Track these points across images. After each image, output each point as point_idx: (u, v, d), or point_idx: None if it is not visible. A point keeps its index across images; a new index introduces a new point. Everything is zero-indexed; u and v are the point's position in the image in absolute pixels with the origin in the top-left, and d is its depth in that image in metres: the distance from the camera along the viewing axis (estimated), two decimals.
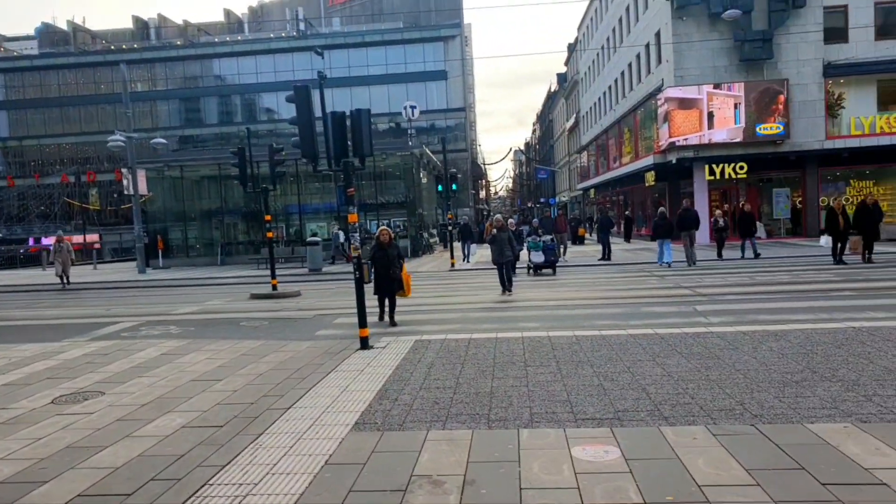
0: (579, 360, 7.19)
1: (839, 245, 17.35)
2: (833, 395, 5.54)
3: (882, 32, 26.93)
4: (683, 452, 4.41)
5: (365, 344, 8.44)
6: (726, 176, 27.11)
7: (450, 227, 25.77)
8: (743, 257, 19.88)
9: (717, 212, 22.05)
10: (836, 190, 28.24)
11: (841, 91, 27.49)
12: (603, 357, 7.31)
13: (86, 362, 8.37)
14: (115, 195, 57.30)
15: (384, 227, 11.22)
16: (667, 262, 18.85)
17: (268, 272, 17.98)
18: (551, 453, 4.51)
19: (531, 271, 18.57)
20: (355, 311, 8.70)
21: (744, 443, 4.55)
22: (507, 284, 14.35)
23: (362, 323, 8.49)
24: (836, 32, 27.07)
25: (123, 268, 32.69)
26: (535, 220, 23.23)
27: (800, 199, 28.43)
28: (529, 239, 19.08)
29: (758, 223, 23.29)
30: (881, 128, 27.04)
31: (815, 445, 4.43)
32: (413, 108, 36.09)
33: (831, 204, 18.26)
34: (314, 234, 29.17)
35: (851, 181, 28.12)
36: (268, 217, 17.81)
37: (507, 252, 14.31)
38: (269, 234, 17.79)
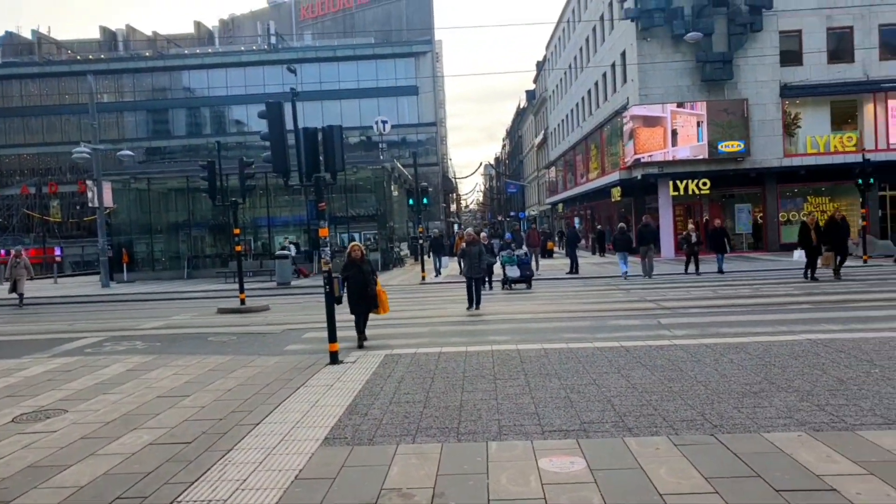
0: (547, 373, 7.32)
1: (813, 260, 17.01)
2: (789, 405, 5.75)
3: (834, 56, 27.97)
4: (646, 462, 4.54)
5: (335, 359, 8.46)
6: (690, 192, 27.74)
7: (420, 241, 25.87)
8: (700, 270, 20.23)
9: (690, 226, 21.74)
10: (794, 206, 29.13)
11: (797, 111, 28.42)
12: (570, 370, 7.45)
13: (47, 379, 8.22)
14: (78, 207, 56.12)
15: (356, 242, 10.74)
16: (624, 272, 20.16)
17: (236, 286, 17.83)
18: (519, 465, 4.61)
19: (506, 286, 18.40)
20: (325, 325, 8.71)
21: (704, 452, 4.70)
22: (475, 300, 14.06)
23: (332, 338, 8.51)
24: (791, 55, 28.02)
25: (86, 282, 31.99)
26: (508, 234, 23.23)
27: (761, 214, 29.20)
28: (504, 253, 18.88)
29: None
30: (835, 147, 27.99)
31: (770, 454, 4.61)
32: (384, 122, 36.24)
33: (804, 219, 18.10)
34: (283, 248, 28.99)
35: (809, 197, 29.03)
36: (237, 230, 17.69)
37: (477, 266, 14.00)
38: (238, 248, 17.66)
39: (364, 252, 10.25)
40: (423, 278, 22.86)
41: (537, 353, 8.46)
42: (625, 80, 30.42)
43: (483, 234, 19.75)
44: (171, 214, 33.07)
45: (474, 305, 14.04)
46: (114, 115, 59.24)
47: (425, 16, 63.15)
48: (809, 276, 17.01)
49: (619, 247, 20.72)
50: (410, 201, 25.09)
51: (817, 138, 28.16)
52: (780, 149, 27.96)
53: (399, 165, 34.60)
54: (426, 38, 59.04)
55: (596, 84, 36.33)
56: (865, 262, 20.73)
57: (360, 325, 10.04)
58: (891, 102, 27.90)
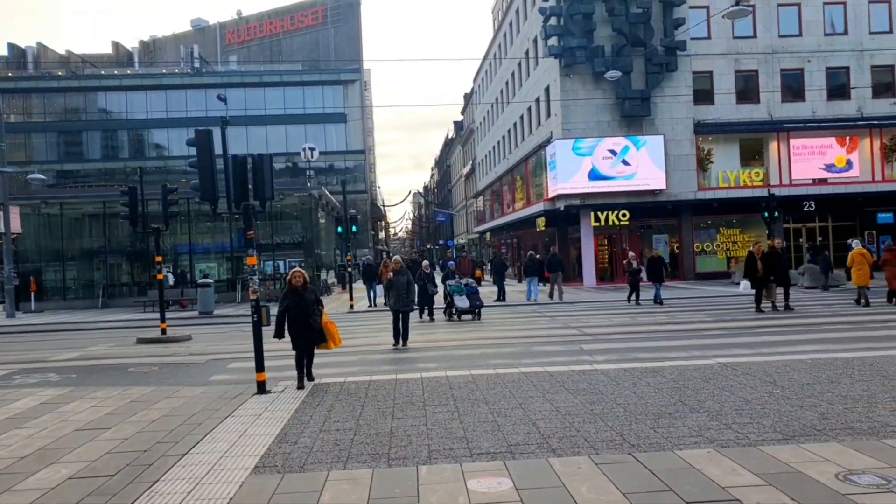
0: (475, 399, 7.51)
1: (760, 291, 16.43)
2: (699, 425, 6.14)
3: (742, 97, 30.05)
4: (569, 481, 4.78)
5: (262, 388, 8.36)
6: (611, 222, 28.93)
7: (348, 269, 25.68)
8: (624, 300, 20.85)
9: (631, 254, 21.23)
10: (708, 237, 30.80)
11: (710, 147, 30.26)
12: (497, 395, 7.66)
13: None
14: None
15: (297, 268, 9.52)
16: (533, 299, 21.94)
17: (155, 315, 17.26)
18: (448, 487, 4.75)
19: (455, 317, 17.48)
20: (250, 355, 8.62)
21: (622, 470, 4.98)
22: (402, 336, 12.75)
23: (259, 367, 8.42)
24: (704, 94, 29.92)
25: None
26: (452, 262, 22.96)
27: (677, 244, 30.71)
28: (451, 282, 17.99)
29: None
30: (744, 181, 29.93)
31: (682, 469, 4.93)
32: (312, 149, 36.14)
33: (750, 249, 17.33)
34: (205, 276, 28.20)
35: (721, 229, 30.79)
36: (159, 258, 17.17)
37: (405, 298, 12.61)
38: (159, 276, 17.11)
39: (307, 279, 9.18)
40: (352, 307, 22.74)
41: (466, 379, 8.64)
42: (548, 115, 31.58)
43: (425, 263, 19.28)
44: (86, 241, 31.64)
45: (401, 341, 12.75)
46: (21, 135, 56.36)
47: (354, 44, 63.65)
48: (758, 307, 16.35)
49: (528, 273, 22.84)
50: (338, 229, 24.89)
51: (728, 173, 30.03)
52: (695, 182, 29.61)
53: (327, 192, 34.48)
54: (355, 66, 59.40)
55: (521, 117, 37.53)
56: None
57: (302, 362, 8.80)
58: (793, 141, 30.13)
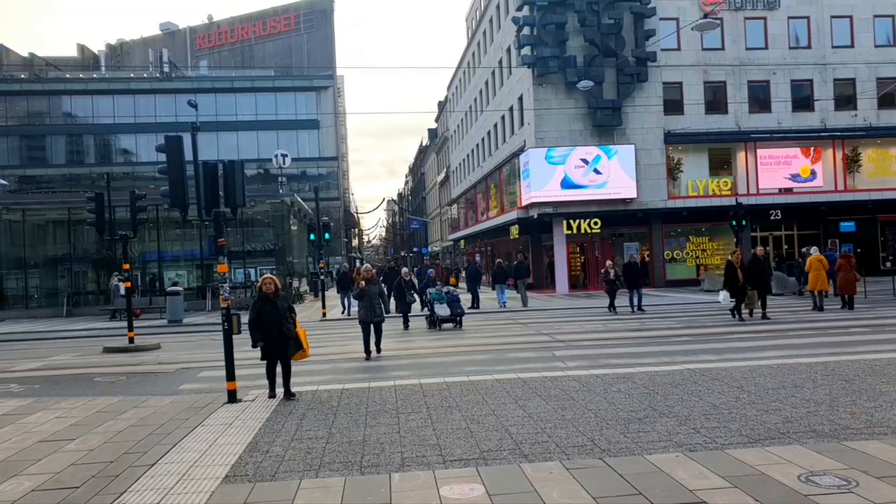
0: (449, 406, 7.53)
1: (740, 300, 16.15)
2: (669, 429, 6.24)
3: (710, 108, 30.60)
4: (540, 486, 4.82)
5: (233, 397, 8.27)
6: (583, 230, 29.23)
7: (321, 277, 25.48)
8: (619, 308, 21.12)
9: (608, 262, 20.93)
10: (678, 245, 31.23)
11: (680, 157, 30.77)
12: (471, 401, 7.69)
13: None
14: None
15: (269, 274, 9.35)
16: (503, 303, 22.46)
17: (122, 324, 16.93)
18: (421, 493, 4.75)
19: (435, 325, 17.08)
20: (221, 363, 8.52)
21: (593, 475, 5.04)
22: (375, 346, 12.28)
23: (230, 375, 8.32)
24: (673, 105, 30.44)
25: None
26: (431, 270, 22.55)
27: (647, 252, 31.10)
28: (433, 290, 17.61)
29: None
30: (713, 190, 30.49)
31: (651, 473, 5.01)
32: (284, 155, 35.86)
33: (729, 258, 17.00)
34: (175, 283, 27.78)
35: (691, 237, 31.28)
36: (126, 265, 16.88)
37: (379, 308, 12.08)
38: (127, 284, 16.83)
39: (279, 286, 8.83)
40: (324, 315, 22.57)
41: (439, 386, 8.65)
42: (522, 124, 31.84)
43: (404, 270, 18.95)
44: (49, 248, 30.93)
45: (374, 351, 12.27)
46: None
47: (327, 51, 63.47)
48: (738, 316, 16.12)
49: (497, 280, 23.38)
50: (311, 236, 24.70)
51: (697, 182, 30.56)
52: (665, 191, 30.07)
53: (299, 199, 34.26)
54: (328, 72, 59.21)
55: (495, 126, 37.77)
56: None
57: (273, 371, 8.57)
58: (759, 151, 30.77)
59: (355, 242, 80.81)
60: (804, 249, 18.02)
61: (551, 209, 29.30)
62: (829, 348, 11.20)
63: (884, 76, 30.78)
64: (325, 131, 57.19)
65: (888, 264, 30.67)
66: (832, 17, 31.01)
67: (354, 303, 21.26)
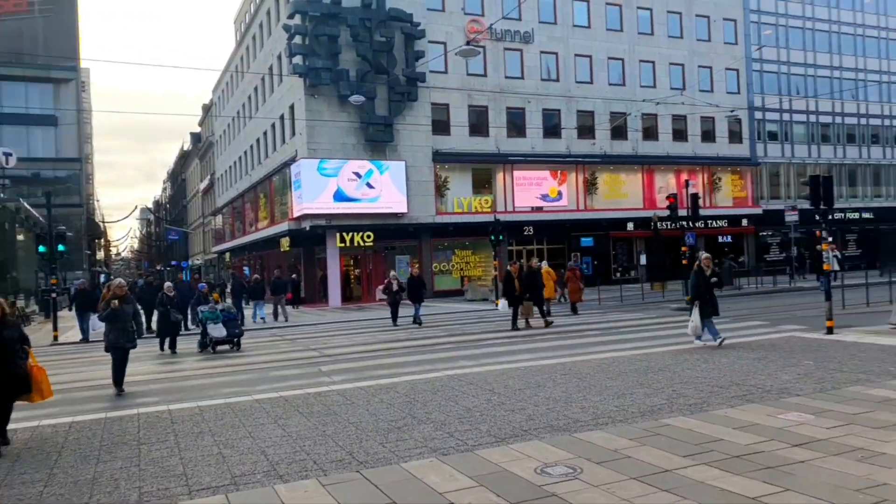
0: (200, 431, 6.97)
1: (517, 309, 16.52)
2: (425, 436, 6.41)
3: (474, 130, 32.88)
4: None
5: None
6: (356, 243, 29.46)
7: (53, 294, 22.16)
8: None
9: (392, 273, 20.59)
10: (445, 258, 32.91)
11: (447, 175, 32.51)
12: (226, 425, 7.20)
13: None
14: None
15: None
16: (261, 318, 22.26)
17: None
18: None
19: (208, 348, 15.03)
20: None
21: (349, 488, 4.97)
22: (121, 380, 10.26)
23: None
24: (441, 125, 32.13)
25: None
26: (203, 285, 19.51)
27: (417, 265, 32.25)
28: (205, 308, 15.56)
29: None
30: (476, 207, 32.69)
31: (406, 481, 5.08)
32: (7, 154, 30.73)
33: (508, 268, 17.33)
34: None
35: (456, 251, 33.16)
36: None
37: (132, 332, 10.36)
38: None
39: (7, 310, 7.10)
40: (56, 338, 19.65)
41: (191, 411, 7.99)
42: (293, 133, 31.23)
43: (167, 285, 16.48)
44: None
45: (120, 389, 10.22)
46: None
47: (69, 39, 56.30)
48: (514, 325, 16.48)
49: (254, 296, 23.04)
50: (41, 248, 21.20)
51: (462, 199, 32.53)
52: (433, 207, 31.52)
53: (27, 205, 29.69)
54: (70, 63, 52.48)
55: (265, 133, 36.56)
56: (497, 306, 24.22)
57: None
58: (516, 173, 33.70)
59: (101, 255, 72.45)
60: (536, 261, 19.13)
61: (324, 221, 29.10)
62: (569, 350, 12.49)
63: (615, 111, 35.72)
64: (65, 129, 50.48)
65: (618, 274, 35.44)
66: (576, 55, 35.24)
67: (94, 326, 18.83)
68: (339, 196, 28.84)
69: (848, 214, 42.45)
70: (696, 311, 11.67)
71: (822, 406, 6.83)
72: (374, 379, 9.95)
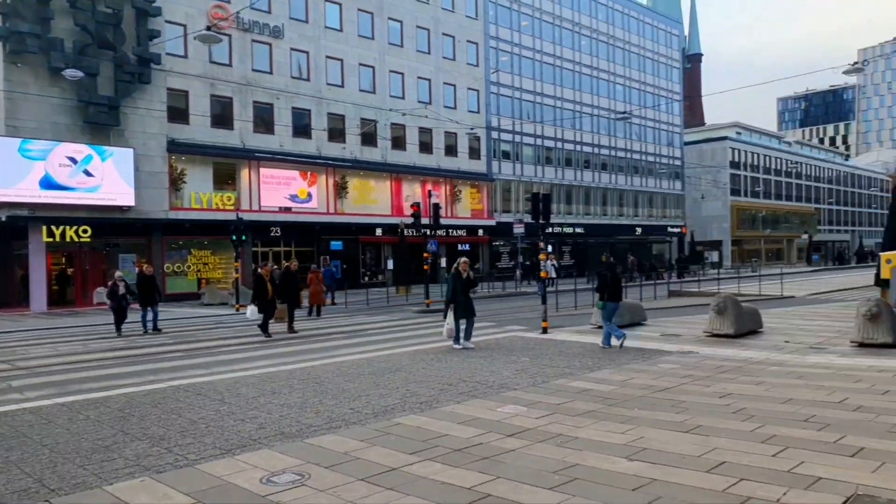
0: None
1: (269, 314, 15.34)
2: (139, 453, 5.71)
3: (217, 122, 30.88)
4: None
5: None
6: (69, 238, 25.69)
7: None
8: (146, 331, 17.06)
9: (118, 274, 17.84)
10: (180, 257, 30.33)
11: (184, 167, 30.01)
12: None
13: None
14: None
15: None
16: None
17: None
18: None
19: None
20: None
21: None
22: None
23: None
24: (179, 113, 29.59)
25: None
26: None
27: (146, 263, 29.19)
28: None
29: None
30: (217, 204, 30.67)
31: None
32: None
33: (259, 271, 16.12)
34: None
35: (193, 250, 30.73)
36: None
37: None
38: None
39: None
40: None
41: None
42: None
43: None
44: None
45: None
46: None
47: None
48: (268, 332, 15.12)
49: None
50: None
51: (201, 195, 30.26)
52: (167, 201, 28.82)
53: None
54: None
55: None
56: (238, 311, 22.75)
57: None
58: (263, 170, 32.42)
59: None
60: (294, 264, 18.59)
61: (27, 211, 24.90)
62: (311, 354, 12.24)
63: (366, 117, 36.39)
64: None
65: (367, 278, 36.09)
66: (327, 56, 35.14)
67: None
68: (48, 183, 24.93)
69: (564, 229, 48.59)
70: (450, 314, 11.82)
71: (534, 398, 7.57)
72: (82, 393, 8.67)
